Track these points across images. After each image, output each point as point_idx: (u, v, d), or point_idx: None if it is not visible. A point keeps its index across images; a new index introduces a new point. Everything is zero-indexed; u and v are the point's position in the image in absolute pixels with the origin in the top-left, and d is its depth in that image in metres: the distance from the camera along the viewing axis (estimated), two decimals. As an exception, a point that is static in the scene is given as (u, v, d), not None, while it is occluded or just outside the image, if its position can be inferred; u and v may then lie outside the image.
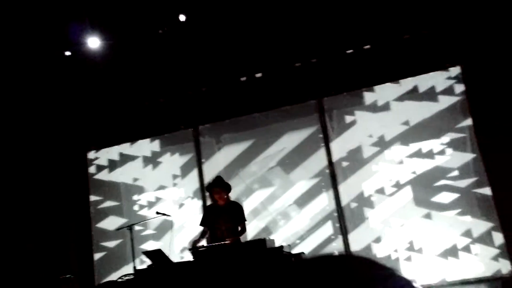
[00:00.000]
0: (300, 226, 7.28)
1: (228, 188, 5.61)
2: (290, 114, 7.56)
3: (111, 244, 8.09)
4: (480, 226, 6.46)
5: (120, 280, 5.38)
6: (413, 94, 7.04)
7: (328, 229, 7.16)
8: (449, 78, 6.89)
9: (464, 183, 6.62)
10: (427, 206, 6.73)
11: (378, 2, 6.83)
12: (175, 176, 8.01)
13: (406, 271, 6.48)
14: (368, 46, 7.21)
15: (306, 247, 7.03)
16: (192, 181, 7.87)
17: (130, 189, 8.21)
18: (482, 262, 6.37)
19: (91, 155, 8.52)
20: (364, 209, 7.04)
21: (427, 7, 6.71)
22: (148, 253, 5.15)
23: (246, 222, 5.58)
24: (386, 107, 7.14)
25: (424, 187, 6.79)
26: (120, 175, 8.32)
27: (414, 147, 6.92)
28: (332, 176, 7.23)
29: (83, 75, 7.80)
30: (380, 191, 7.00)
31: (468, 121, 6.69)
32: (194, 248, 5.18)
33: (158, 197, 8.03)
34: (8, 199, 7.62)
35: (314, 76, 7.39)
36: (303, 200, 7.33)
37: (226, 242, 5.11)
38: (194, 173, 7.90)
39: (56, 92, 7.99)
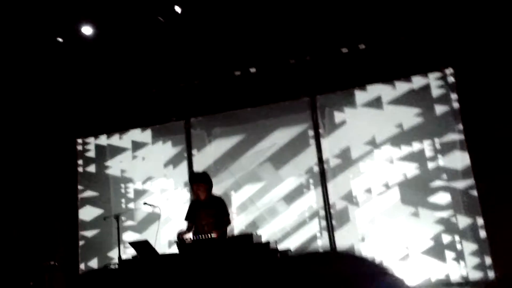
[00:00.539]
0: (287, 222, 7.30)
1: (209, 183, 5.63)
2: (282, 110, 7.56)
3: (89, 233, 8.05)
4: (467, 227, 6.52)
5: (110, 267, 5.36)
6: (405, 96, 7.08)
7: (314, 226, 7.19)
8: (442, 80, 6.94)
9: (453, 185, 6.67)
10: (415, 206, 6.77)
11: (375, 2, 6.84)
12: (164, 168, 7.98)
13: (391, 271, 6.52)
14: (363, 46, 7.21)
15: (292, 244, 7.06)
16: (181, 173, 7.85)
17: (117, 179, 8.16)
18: (468, 263, 6.43)
19: (81, 143, 8.44)
20: (352, 208, 7.07)
21: (423, 9, 6.72)
22: (134, 244, 5.13)
23: (230, 216, 5.61)
24: (378, 107, 7.17)
25: (413, 188, 6.84)
26: (108, 165, 8.26)
27: (404, 148, 6.96)
28: (321, 174, 7.25)
29: (76, 63, 7.72)
30: (368, 190, 7.04)
31: (459, 125, 6.74)
32: (180, 240, 5.17)
33: (146, 188, 7.99)
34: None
35: (308, 73, 7.40)
36: (291, 197, 7.35)
37: (213, 236, 5.11)
38: (184, 165, 7.88)
39: (50, 80, 7.91)
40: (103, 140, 8.38)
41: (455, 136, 6.76)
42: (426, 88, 7.01)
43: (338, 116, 7.37)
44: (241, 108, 7.70)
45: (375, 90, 7.22)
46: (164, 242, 7.51)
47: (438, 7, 6.68)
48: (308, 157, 7.36)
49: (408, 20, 6.90)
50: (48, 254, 7.44)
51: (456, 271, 6.46)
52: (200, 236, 5.10)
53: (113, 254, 7.65)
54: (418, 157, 6.89)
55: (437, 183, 6.75)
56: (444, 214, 6.64)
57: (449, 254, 6.53)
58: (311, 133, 7.41)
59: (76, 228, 8.05)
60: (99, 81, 7.98)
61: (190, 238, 5.24)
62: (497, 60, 6.47)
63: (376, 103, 7.19)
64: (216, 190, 6.22)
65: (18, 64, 7.53)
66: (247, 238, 4.92)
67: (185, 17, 7.01)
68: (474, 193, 6.53)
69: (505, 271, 6.09)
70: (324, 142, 7.34)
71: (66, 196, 8.14)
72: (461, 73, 6.78)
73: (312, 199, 7.28)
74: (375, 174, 7.05)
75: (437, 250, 6.57)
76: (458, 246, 6.51)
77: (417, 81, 7.06)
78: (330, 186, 7.20)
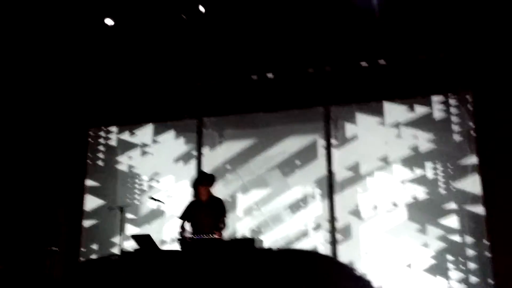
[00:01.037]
0: (291, 231, 7.26)
1: (213, 184, 5.70)
2: (296, 118, 7.55)
3: (85, 223, 8.06)
4: (472, 250, 6.46)
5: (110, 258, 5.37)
6: (421, 116, 7.04)
7: (318, 238, 7.14)
8: (461, 103, 6.89)
9: (462, 208, 6.61)
10: (422, 227, 6.72)
11: (399, 20, 6.81)
12: (173, 164, 7.98)
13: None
14: (383, 62, 7.19)
15: (294, 253, 7.02)
16: (190, 171, 7.83)
17: (125, 172, 8.16)
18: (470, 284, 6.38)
19: (93, 134, 8.44)
20: (357, 223, 7.02)
21: (446, 31, 6.69)
22: (136, 237, 5.13)
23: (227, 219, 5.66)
24: (393, 124, 7.13)
25: (421, 209, 6.78)
26: (117, 157, 8.26)
27: (415, 169, 6.92)
28: (329, 186, 7.21)
29: (97, 53, 7.75)
30: (375, 207, 6.99)
31: (474, 155, 6.69)
32: (183, 238, 5.18)
33: (153, 183, 7.99)
34: (5, 168, 7.61)
35: (325, 83, 7.38)
36: (297, 206, 7.32)
37: (215, 237, 5.11)
38: (193, 163, 7.88)
39: (69, 68, 7.96)
40: (114, 132, 8.39)
41: (469, 161, 6.70)
42: (444, 110, 6.96)
43: (351, 129, 7.33)
44: (254, 112, 7.69)
45: (391, 107, 7.18)
46: (166, 238, 7.51)
47: (464, 30, 6.63)
48: (317, 168, 7.33)
49: (430, 40, 6.87)
50: (51, 240, 7.46)
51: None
52: (202, 235, 5.10)
53: (115, 246, 7.64)
54: (429, 179, 6.83)
55: (446, 205, 6.69)
56: (451, 237, 6.57)
57: (452, 275, 6.45)
58: (322, 143, 7.38)
59: (80, 216, 8.05)
60: (117, 73, 8.00)
61: (193, 237, 5.24)
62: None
63: (391, 120, 7.15)
64: (223, 192, 6.25)
65: (46, 49, 7.58)
66: (248, 242, 4.91)
67: (209, 17, 7.03)
68: (482, 218, 6.47)
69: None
70: (335, 154, 7.30)
71: (73, 184, 8.16)
72: (479, 98, 6.72)
73: (317, 210, 7.23)
74: (383, 192, 7.00)
75: (440, 271, 6.51)
76: (462, 268, 6.45)
77: (435, 102, 7.02)
78: (337, 198, 7.15)
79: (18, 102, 7.89)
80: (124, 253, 5.25)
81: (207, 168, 7.52)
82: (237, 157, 7.71)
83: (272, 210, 7.40)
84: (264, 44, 7.32)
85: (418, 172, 6.90)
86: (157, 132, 8.18)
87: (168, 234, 7.54)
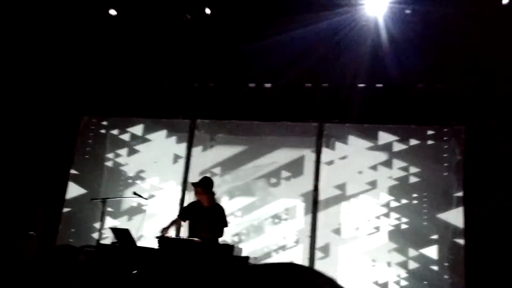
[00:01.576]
0: (271, 242, 7.24)
1: (210, 191, 5.64)
2: (288, 131, 7.56)
3: (65, 211, 7.96)
4: (449, 280, 6.47)
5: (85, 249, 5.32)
6: (412, 144, 7.07)
7: (297, 252, 7.12)
8: (453, 136, 6.94)
9: (442, 239, 6.63)
10: (401, 255, 6.72)
11: (401, 47, 6.85)
12: (161, 163, 7.94)
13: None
14: (380, 85, 7.23)
15: (271, 264, 6.98)
16: (177, 171, 7.79)
17: (112, 166, 8.10)
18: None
19: (85, 121, 8.38)
20: (337, 242, 7.01)
21: (447, 63, 6.74)
22: (114, 230, 5.09)
23: (225, 227, 5.64)
24: (384, 149, 7.16)
25: (401, 236, 6.80)
26: (107, 149, 8.21)
27: (401, 196, 6.94)
28: (314, 202, 7.20)
29: (99, 43, 7.72)
30: (357, 229, 7.00)
31: (460, 188, 6.72)
32: (162, 236, 5.14)
33: (139, 179, 7.94)
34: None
35: (321, 99, 7.39)
36: (280, 218, 7.30)
37: (195, 239, 5.08)
38: (181, 163, 7.84)
39: (71, 56, 7.92)
40: (106, 123, 8.34)
41: (455, 193, 6.74)
42: (436, 140, 7.01)
43: (342, 148, 7.35)
44: (248, 120, 7.69)
45: (384, 131, 7.21)
46: (145, 235, 7.44)
47: (466, 64, 6.69)
48: (304, 182, 7.33)
49: (431, 69, 6.91)
50: (29, 224, 7.37)
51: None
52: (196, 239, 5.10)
53: (92, 237, 7.56)
54: (413, 207, 6.86)
55: (427, 234, 6.71)
56: (429, 265, 6.58)
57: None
58: (312, 158, 7.38)
59: (61, 204, 7.96)
60: (117, 64, 7.96)
61: (172, 236, 5.21)
62: (509, 129, 6.47)
63: (382, 145, 7.18)
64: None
65: (46, 37, 7.55)
66: (227, 249, 4.89)
67: (215, 20, 7.05)
68: (462, 249, 6.49)
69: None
70: (323, 171, 7.30)
71: (58, 170, 8.07)
72: (472, 133, 6.77)
73: (299, 224, 7.22)
74: (366, 215, 7.01)
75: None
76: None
77: (428, 132, 7.06)
78: (320, 215, 7.15)
79: (11, 84, 7.81)
80: (100, 244, 5.19)
81: (195, 170, 7.51)
82: (226, 163, 7.69)
83: (254, 220, 7.38)
84: (265, 54, 7.32)
85: (404, 199, 6.93)
86: (149, 128, 8.15)
87: (147, 231, 7.46)
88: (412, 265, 6.64)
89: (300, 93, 7.51)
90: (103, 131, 8.34)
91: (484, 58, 6.48)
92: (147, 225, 7.42)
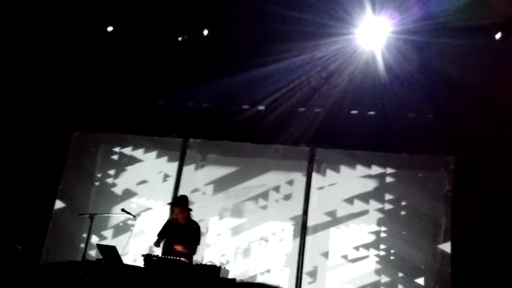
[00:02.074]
0: (258, 265, 7.19)
1: (187, 208, 5.67)
2: (280, 154, 7.58)
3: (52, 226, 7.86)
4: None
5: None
6: (403, 174, 7.13)
7: (284, 275, 7.08)
8: (443, 167, 6.99)
9: (430, 268, 6.63)
10: (388, 283, 6.70)
11: (389, 75, 6.95)
12: (152, 181, 7.90)
13: None
14: (372, 113, 7.31)
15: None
16: (167, 190, 7.75)
17: (102, 182, 8.05)
18: None
19: (77, 136, 8.33)
20: (324, 267, 6.99)
21: (440, 93, 6.82)
22: (101, 247, 5.05)
23: (198, 246, 5.63)
24: (375, 177, 7.20)
25: (389, 264, 6.81)
26: (97, 165, 8.15)
27: (391, 224, 6.96)
28: (303, 226, 7.19)
29: (94, 59, 7.74)
30: (345, 255, 6.99)
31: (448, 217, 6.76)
32: (148, 255, 5.09)
33: (128, 196, 7.88)
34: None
35: (314, 124, 7.44)
36: (268, 241, 7.28)
37: (182, 260, 5.04)
38: (171, 182, 7.80)
39: (66, 73, 7.94)
40: (98, 138, 8.29)
41: (443, 222, 6.77)
42: (425, 170, 7.06)
43: (333, 175, 7.39)
44: (241, 141, 7.71)
45: (374, 159, 7.26)
46: (131, 253, 7.37)
47: (457, 96, 6.77)
48: (294, 206, 7.33)
49: (422, 100, 6.99)
50: (15, 238, 7.28)
51: None
52: (169, 257, 5.05)
53: (79, 252, 7.46)
54: (403, 236, 6.87)
55: (416, 263, 6.72)
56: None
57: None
58: (302, 182, 7.39)
59: (48, 218, 7.86)
60: (111, 81, 7.96)
61: (158, 255, 5.17)
62: (500, 164, 6.52)
63: (374, 173, 7.22)
64: (196, 215, 6.17)
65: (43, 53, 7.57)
66: (214, 270, 4.86)
67: (211, 41, 7.11)
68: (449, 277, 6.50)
69: None
70: (313, 196, 7.31)
71: (46, 185, 7.99)
72: (462, 165, 6.83)
73: (287, 248, 7.20)
74: (355, 242, 7.02)
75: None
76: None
77: (418, 162, 7.10)
78: (309, 240, 7.14)
79: (2, 98, 7.78)
80: (85, 261, 5.14)
81: (185, 189, 7.47)
82: (217, 183, 7.68)
83: (242, 241, 7.35)
84: (261, 78, 7.37)
85: (394, 228, 6.94)
86: (141, 146, 8.12)
87: (133, 248, 7.40)
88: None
89: (293, 117, 7.55)
90: (94, 146, 8.29)
91: (476, 91, 6.57)
92: (134, 243, 7.38)
